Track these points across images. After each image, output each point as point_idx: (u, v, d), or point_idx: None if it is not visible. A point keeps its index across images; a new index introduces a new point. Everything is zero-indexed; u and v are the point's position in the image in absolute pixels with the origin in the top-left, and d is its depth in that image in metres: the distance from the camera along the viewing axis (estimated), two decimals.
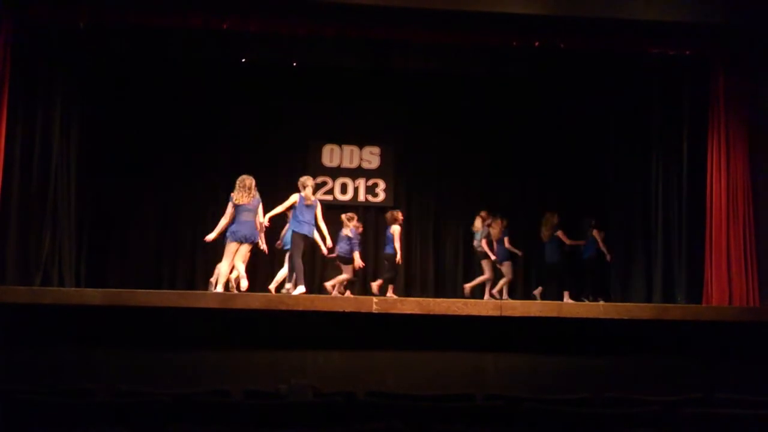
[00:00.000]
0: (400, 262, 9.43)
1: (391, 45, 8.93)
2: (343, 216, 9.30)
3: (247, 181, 7.93)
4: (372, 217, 10.91)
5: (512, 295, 10.07)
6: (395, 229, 9.25)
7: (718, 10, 8.23)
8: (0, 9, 8.01)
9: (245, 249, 7.83)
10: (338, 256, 9.21)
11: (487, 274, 9.85)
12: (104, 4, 8.23)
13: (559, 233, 9.77)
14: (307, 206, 8.10)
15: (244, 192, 7.85)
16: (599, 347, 6.98)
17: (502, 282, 9.81)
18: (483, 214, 9.93)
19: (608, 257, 9.80)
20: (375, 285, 9.39)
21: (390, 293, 9.14)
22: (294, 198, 8.14)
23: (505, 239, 9.87)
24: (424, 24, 8.45)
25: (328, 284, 9.27)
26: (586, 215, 10.01)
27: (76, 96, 9.29)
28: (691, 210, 8.89)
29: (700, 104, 8.87)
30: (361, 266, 9.21)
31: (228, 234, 7.79)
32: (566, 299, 9.39)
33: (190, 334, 6.78)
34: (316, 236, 8.28)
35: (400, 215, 9.41)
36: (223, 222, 7.90)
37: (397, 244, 9.17)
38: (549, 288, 9.96)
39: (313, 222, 8.11)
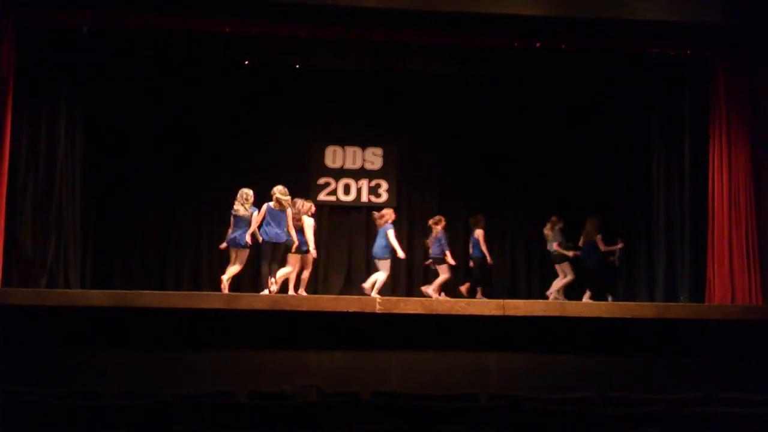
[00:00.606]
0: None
1: (392, 47, 8.95)
2: (431, 221, 9.68)
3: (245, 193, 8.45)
4: (375, 218, 10.92)
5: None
6: (479, 234, 9.83)
7: (719, 10, 8.24)
8: (4, 13, 8.05)
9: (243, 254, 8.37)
10: (432, 259, 9.61)
11: (569, 276, 9.85)
12: (107, 7, 8.26)
13: (598, 238, 9.81)
14: (274, 214, 8.32)
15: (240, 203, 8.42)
16: (602, 346, 7.00)
17: (563, 283, 9.86)
18: (554, 218, 9.99)
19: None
20: (464, 288, 9.78)
21: (479, 295, 9.67)
22: (263, 209, 8.35)
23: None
24: (426, 26, 8.47)
25: (430, 289, 9.46)
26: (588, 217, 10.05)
27: (80, 99, 9.35)
28: (694, 209, 8.90)
29: (701, 104, 8.88)
30: (454, 264, 9.59)
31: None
32: (586, 299, 9.48)
33: (194, 334, 6.81)
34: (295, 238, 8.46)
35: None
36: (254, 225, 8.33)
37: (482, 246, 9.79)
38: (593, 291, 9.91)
39: (283, 228, 8.30)
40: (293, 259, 8.65)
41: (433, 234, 9.63)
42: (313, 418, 3.96)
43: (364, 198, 10.86)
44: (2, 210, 8.02)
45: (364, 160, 10.91)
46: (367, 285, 9.22)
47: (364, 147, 10.91)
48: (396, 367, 6.75)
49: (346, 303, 7.18)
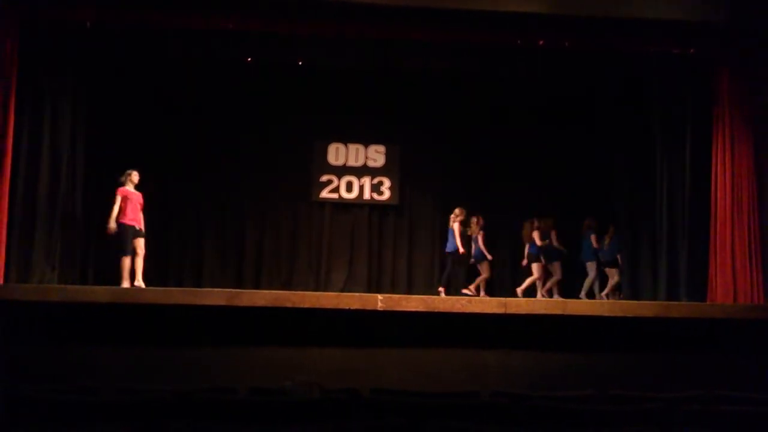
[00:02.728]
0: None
1: (395, 44, 8.95)
2: (473, 222, 9.91)
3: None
4: (377, 215, 10.94)
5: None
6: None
7: (722, 9, 8.22)
8: (7, 9, 8.06)
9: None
10: (474, 258, 9.86)
11: (592, 275, 10.00)
12: (110, 3, 8.27)
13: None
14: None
15: None
16: (604, 345, 6.99)
17: (551, 282, 9.97)
18: (588, 221, 10.07)
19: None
20: (520, 290, 9.89)
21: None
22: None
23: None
24: (429, 23, 8.46)
25: (470, 289, 9.71)
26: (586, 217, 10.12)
27: (84, 95, 9.33)
28: (696, 208, 8.88)
29: (704, 103, 8.86)
30: (491, 259, 9.98)
31: None
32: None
33: (196, 331, 6.81)
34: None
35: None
36: None
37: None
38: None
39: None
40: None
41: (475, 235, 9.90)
42: (313, 415, 3.96)
43: (367, 195, 10.85)
44: (5, 206, 8.04)
45: (366, 157, 10.90)
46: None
47: (366, 144, 10.91)
48: (397, 364, 6.75)
49: (348, 300, 7.18)
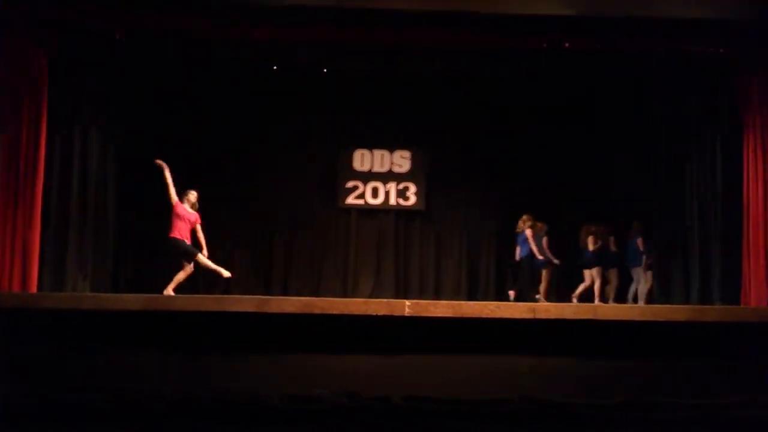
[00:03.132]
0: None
1: (421, 49, 8.96)
2: (538, 227, 9.82)
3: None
4: (403, 221, 10.94)
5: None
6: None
7: (752, 7, 8.08)
8: (35, 23, 8.22)
9: None
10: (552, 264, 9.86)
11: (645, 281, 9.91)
12: (140, 15, 8.38)
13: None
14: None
15: None
16: (636, 350, 6.90)
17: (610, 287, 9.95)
18: (636, 224, 10.00)
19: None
20: (574, 296, 9.80)
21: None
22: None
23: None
24: (454, 27, 8.44)
25: (540, 293, 9.67)
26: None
27: (113, 103, 9.49)
28: (728, 210, 8.75)
29: (734, 102, 8.73)
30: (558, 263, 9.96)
31: None
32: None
33: (226, 338, 6.86)
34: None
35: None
36: None
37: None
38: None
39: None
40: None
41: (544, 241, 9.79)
42: (345, 423, 3.96)
43: (393, 201, 10.86)
44: (38, 215, 8.19)
45: (392, 163, 10.92)
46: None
47: (392, 150, 10.92)
48: (426, 371, 6.72)
49: (375, 306, 7.17)
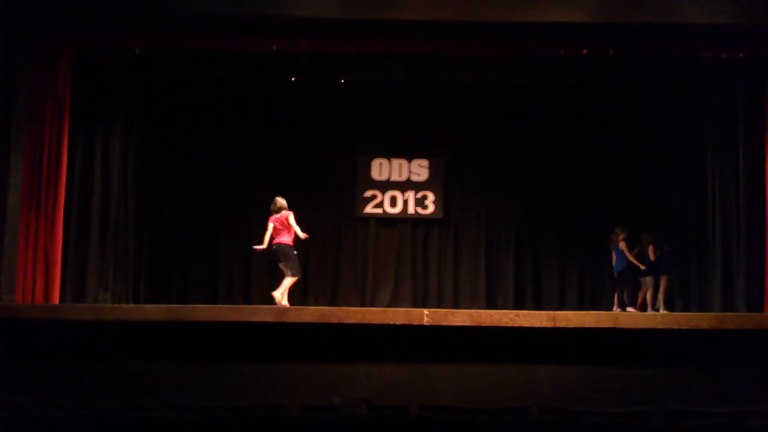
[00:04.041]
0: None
1: (437, 58, 8.98)
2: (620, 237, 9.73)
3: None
4: (421, 230, 10.93)
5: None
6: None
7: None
8: (61, 37, 8.36)
9: None
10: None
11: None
12: (158, 29, 8.50)
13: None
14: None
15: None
16: (658, 358, 6.83)
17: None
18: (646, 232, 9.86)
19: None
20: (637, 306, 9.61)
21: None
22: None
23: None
24: (470, 36, 8.46)
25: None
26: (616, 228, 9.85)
27: (134, 118, 9.59)
28: (750, 216, 8.65)
29: (755, 108, 8.64)
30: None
31: None
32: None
33: (245, 347, 6.89)
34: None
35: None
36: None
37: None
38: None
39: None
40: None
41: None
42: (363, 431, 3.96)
43: (411, 210, 10.85)
44: (60, 228, 8.30)
45: (410, 172, 10.91)
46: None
47: (410, 159, 10.92)
48: (445, 380, 6.71)
49: (394, 315, 7.17)
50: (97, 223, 8.90)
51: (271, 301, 8.05)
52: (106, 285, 8.88)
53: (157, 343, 6.89)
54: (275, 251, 8.27)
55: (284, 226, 8.24)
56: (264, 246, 8.33)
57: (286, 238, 8.24)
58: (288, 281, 8.13)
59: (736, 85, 8.96)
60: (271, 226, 8.27)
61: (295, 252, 8.30)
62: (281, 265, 8.28)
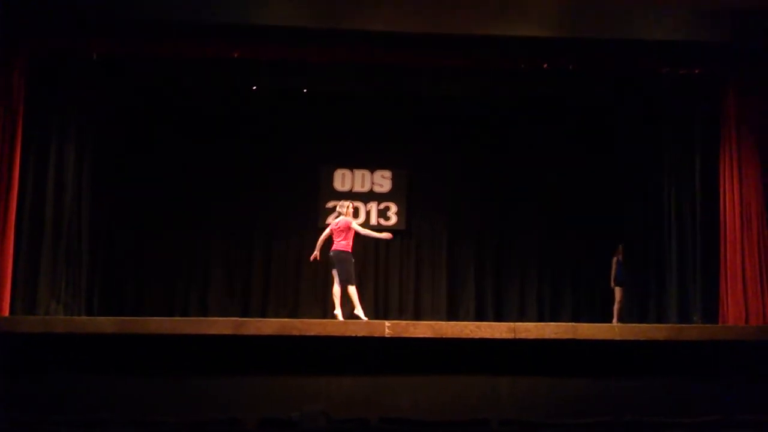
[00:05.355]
0: None
1: (401, 69, 8.98)
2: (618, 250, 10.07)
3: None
4: (383, 241, 10.88)
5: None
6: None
7: (728, 29, 8.23)
8: (13, 40, 8.14)
9: None
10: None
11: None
12: (116, 34, 8.33)
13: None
14: None
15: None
16: (616, 369, 6.89)
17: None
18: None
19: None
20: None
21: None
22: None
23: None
24: (433, 48, 8.49)
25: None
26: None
27: (89, 126, 9.35)
28: (705, 229, 8.81)
29: (711, 123, 8.84)
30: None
31: None
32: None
33: (202, 361, 6.76)
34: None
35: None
36: None
37: None
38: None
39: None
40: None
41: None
42: None
43: (373, 221, 10.82)
44: (11, 238, 8.04)
45: (372, 183, 10.90)
46: None
47: (372, 170, 10.91)
48: (405, 392, 6.66)
49: (355, 327, 7.11)
50: (50, 233, 8.63)
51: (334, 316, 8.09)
52: (58, 297, 8.62)
53: (111, 357, 6.71)
54: (331, 258, 8.22)
55: (343, 231, 8.20)
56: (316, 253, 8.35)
57: (343, 244, 8.16)
58: (350, 293, 8.12)
59: (692, 101, 9.14)
60: (326, 231, 8.30)
61: (353, 260, 8.23)
62: (335, 272, 8.23)
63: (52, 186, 8.72)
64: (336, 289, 8.21)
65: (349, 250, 8.19)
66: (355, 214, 8.59)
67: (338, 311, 8.13)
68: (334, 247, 8.17)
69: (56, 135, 8.83)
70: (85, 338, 6.79)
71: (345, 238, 8.16)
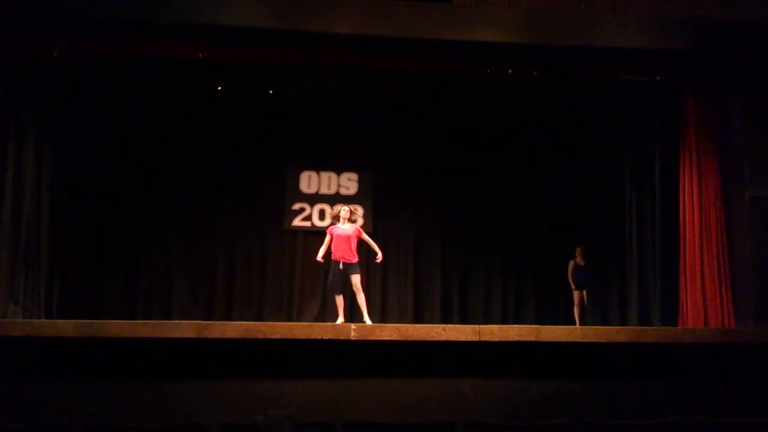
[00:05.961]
0: None
1: (366, 72, 8.98)
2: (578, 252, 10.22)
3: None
4: None
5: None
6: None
7: (688, 37, 8.39)
8: None
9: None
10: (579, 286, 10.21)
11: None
12: (78, 33, 8.18)
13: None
14: None
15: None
16: (578, 371, 6.97)
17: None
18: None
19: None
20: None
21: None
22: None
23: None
24: (398, 52, 8.51)
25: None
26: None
27: (49, 128, 9.16)
28: (665, 233, 8.98)
29: (671, 129, 9.02)
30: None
31: None
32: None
33: (164, 365, 6.65)
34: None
35: None
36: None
37: None
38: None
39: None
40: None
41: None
42: None
43: None
44: None
45: (339, 185, 10.88)
46: None
47: (339, 172, 10.89)
48: (371, 395, 6.65)
49: (320, 330, 7.08)
50: (8, 234, 8.44)
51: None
52: (17, 299, 8.43)
53: (70, 360, 6.57)
54: (342, 269, 8.25)
55: (356, 238, 8.29)
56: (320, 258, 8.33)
57: (352, 252, 8.24)
58: (359, 300, 8.23)
59: (652, 107, 9.31)
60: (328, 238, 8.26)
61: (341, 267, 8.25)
62: (355, 279, 8.27)
63: (10, 185, 8.53)
64: (360, 298, 8.28)
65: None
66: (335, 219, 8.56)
67: (366, 318, 8.26)
68: (348, 257, 8.20)
69: (15, 134, 8.64)
70: (44, 341, 6.63)
71: (354, 246, 8.24)
